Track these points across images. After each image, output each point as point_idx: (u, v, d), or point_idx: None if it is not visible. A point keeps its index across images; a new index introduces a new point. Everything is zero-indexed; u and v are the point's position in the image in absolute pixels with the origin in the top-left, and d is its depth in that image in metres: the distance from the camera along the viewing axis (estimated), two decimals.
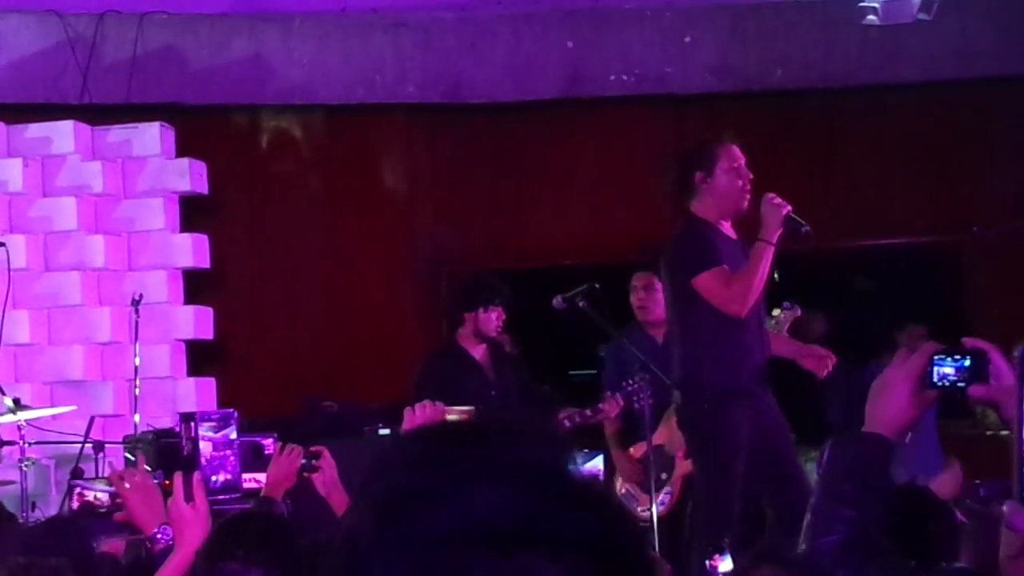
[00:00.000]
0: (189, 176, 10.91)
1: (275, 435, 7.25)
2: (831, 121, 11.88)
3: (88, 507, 8.07)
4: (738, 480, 7.50)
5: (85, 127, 10.78)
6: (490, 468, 1.42)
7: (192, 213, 11.10)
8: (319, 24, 11.57)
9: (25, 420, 8.68)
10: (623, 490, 9.02)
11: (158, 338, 10.61)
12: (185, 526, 4.11)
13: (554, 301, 8.77)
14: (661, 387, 8.36)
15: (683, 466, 8.81)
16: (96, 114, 10.99)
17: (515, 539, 1.37)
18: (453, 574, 1.38)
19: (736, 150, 7.77)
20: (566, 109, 11.80)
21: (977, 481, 8.25)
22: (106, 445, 9.10)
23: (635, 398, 8.60)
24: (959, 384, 2.99)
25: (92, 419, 9.29)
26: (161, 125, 10.91)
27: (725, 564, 6.06)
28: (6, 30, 11.04)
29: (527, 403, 8.99)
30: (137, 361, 9.84)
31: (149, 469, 4.85)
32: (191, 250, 10.90)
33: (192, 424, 4.17)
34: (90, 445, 9.04)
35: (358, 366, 11.55)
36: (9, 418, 8.60)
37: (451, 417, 6.02)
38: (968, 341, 3.01)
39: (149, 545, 4.60)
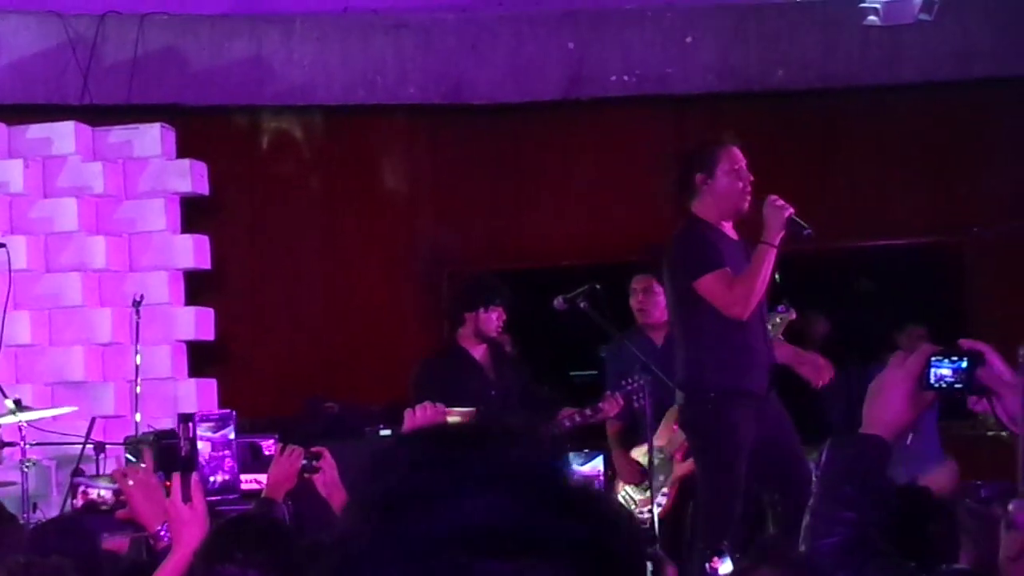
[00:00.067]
0: (190, 177, 10.91)
1: (276, 436, 7.26)
2: (832, 121, 11.88)
3: (91, 505, 8.08)
4: (740, 481, 7.50)
5: (86, 128, 10.79)
6: (485, 472, 1.42)
7: (193, 214, 11.11)
8: (320, 25, 11.57)
9: (26, 421, 8.68)
10: (622, 491, 9.02)
11: (159, 339, 10.62)
12: (183, 526, 4.11)
13: (555, 302, 8.77)
14: (661, 388, 8.36)
15: (680, 468, 8.82)
16: (97, 115, 10.99)
17: (510, 542, 1.38)
18: None
19: (737, 152, 7.77)
20: (567, 110, 11.80)
21: (978, 482, 8.24)
22: (107, 446, 9.10)
23: (635, 397, 8.60)
24: (956, 386, 2.99)
25: (93, 420, 9.29)
26: (162, 126, 10.92)
27: (725, 566, 6.07)
28: (7, 31, 11.04)
29: (527, 403, 8.99)
30: (138, 359, 9.83)
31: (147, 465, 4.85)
32: (192, 251, 10.91)
33: (190, 425, 4.17)
34: (91, 446, 9.04)
35: (359, 367, 11.55)
36: (10, 419, 8.60)
37: (451, 418, 6.01)
38: (965, 343, 3.01)
39: (152, 542, 4.60)
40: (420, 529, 1.39)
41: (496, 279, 9.39)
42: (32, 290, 10.43)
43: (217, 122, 11.65)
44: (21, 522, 7.83)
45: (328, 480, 5.68)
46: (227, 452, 4.19)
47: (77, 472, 8.48)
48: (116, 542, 5.66)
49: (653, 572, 4.94)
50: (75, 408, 9.41)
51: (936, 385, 3.00)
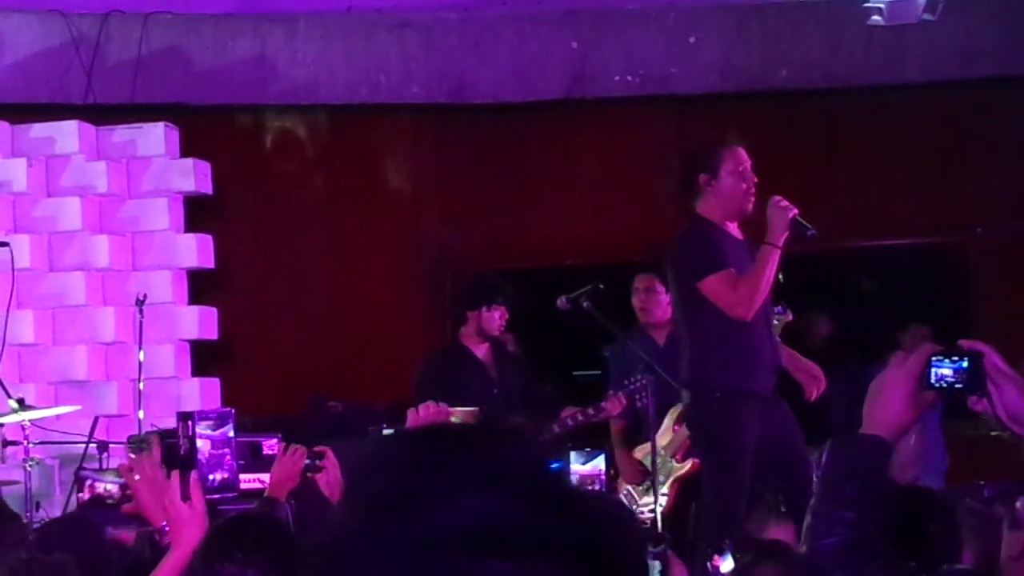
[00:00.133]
0: (193, 176, 10.92)
1: (279, 435, 7.26)
2: (835, 121, 11.88)
3: (98, 498, 8.10)
4: (745, 481, 7.50)
5: (89, 127, 10.79)
6: (482, 472, 1.43)
7: (196, 213, 11.11)
8: (323, 24, 11.58)
9: (29, 420, 8.69)
10: (624, 491, 9.03)
11: (162, 338, 10.62)
12: (182, 525, 4.11)
13: (558, 301, 8.77)
14: (664, 387, 8.37)
15: (679, 468, 8.83)
16: (100, 114, 11.00)
17: (508, 542, 1.38)
18: None
19: (742, 153, 7.77)
20: (570, 109, 11.81)
21: (981, 482, 8.23)
22: (110, 445, 9.11)
23: (637, 397, 8.61)
24: (957, 386, 2.99)
25: (96, 419, 9.30)
26: (165, 125, 10.92)
27: (726, 564, 6.07)
28: (10, 30, 11.05)
29: (529, 402, 9.00)
30: (141, 356, 9.82)
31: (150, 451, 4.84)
32: (195, 250, 10.91)
33: (189, 423, 4.17)
34: (94, 445, 9.05)
35: (362, 366, 11.55)
36: (13, 418, 8.60)
37: (455, 418, 6.02)
38: (965, 343, 3.01)
39: (157, 537, 4.61)
40: (417, 529, 1.39)
41: (499, 278, 9.39)
42: (36, 289, 10.43)
43: (221, 121, 11.66)
44: (24, 521, 7.83)
45: (331, 479, 5.69)
46: (226, 450, 4.19)
47: (81, 469, 8.51)
48: (123, 534, 5.66)
49: (661, 572, 4.94)
50: (78, 407, 9.41)
51: (937, 385, 3.00)
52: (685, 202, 7.88)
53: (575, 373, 11.61)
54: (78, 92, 11.09)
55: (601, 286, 8.68)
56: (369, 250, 11.88)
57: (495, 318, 9.00)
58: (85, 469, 8.57)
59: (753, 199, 7.69)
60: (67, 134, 10.67)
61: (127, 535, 5.56)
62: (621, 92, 11.72)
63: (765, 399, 7.63)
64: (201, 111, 11.41)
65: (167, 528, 4.46)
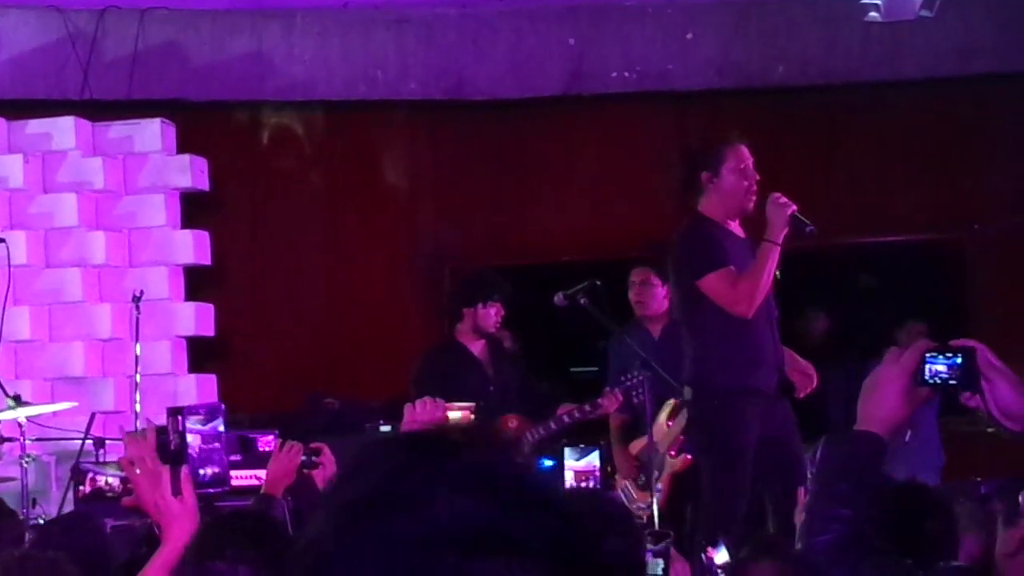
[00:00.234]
0: (190, 172, 10.91)
1: (276, 432, 7.26)
2: (832, 118, 11.87)
3: (99, 492, 8.09)
4: (745, 480, 7.51)
5: (86, 123, 10.78)
6: (454, 476, 1.45)
7: (193, 209, 11.10)
8: (321, 20, 11.57)
9: (26, 416, 8.68)
10: (622, 487, 9.03)
11: (159, 334, 10.61)
12: (173, 520, 4.10)
13: (555, 298, 8.77)
14: (660, 383, 8.38)
15: (672, 464, 8.83)
16: (97, 110, 10.99)
17: (477, 544, 1.40)
18: None
19: (744, 150, 7.78)
20: (568, 106, 11.80)
21: (978, 479, 8.24)
22: (107, 441, 9.10)
23: (634, 393, 8.61)
24: (951, 382, 2.99)
25: (93, 415, 9.29)
26: (162, 121, 10.91)
27: (720, 556, 6.07)
28: (6, 26, 11.04)
29: (526, 399, 9.00)
30: (137, 349, 9.81)
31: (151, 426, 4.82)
32: (192, 246, 10.90)
33: (179, 418, 4.16)
34: (91, 441, 9.04)
35: (359, 362, 11.55)
36: (10, 414, 8.60)
37: (452, 413, 6.01)
38: (956, 343, 3.01)
39: (157, 531, 4.60)
40: (387, 532, 1.41)
41: (495, 275, 9.40)
42: (32, 285, 10.43)
43: (218, 117, 11.65)
44: (21, 517, 7.82)
45: (328, 476, 5.68)
46: (217, 444, 4.18)
47: (77, 468, 8.49)
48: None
49: (664, 570, 4.93)
50: (75, 404, 9.40)
51: (931, 381, 2.99)
52: (687, 200, 7.89)
53: (572, 369, 11.61)
54: (74, 88, 11.08)
55: (598, 282, 8.68)
56: (367, 246, 11.88)
57: (491, 315, 9.00)
58: (83, 464, 8.56)
59: (755, 197, 7.70)
60: (63, 130, 10.66)
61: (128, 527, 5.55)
62: (619, 88, 11.72)
63: (768, 396, 7.63)
64: (198, 107, 11.40)
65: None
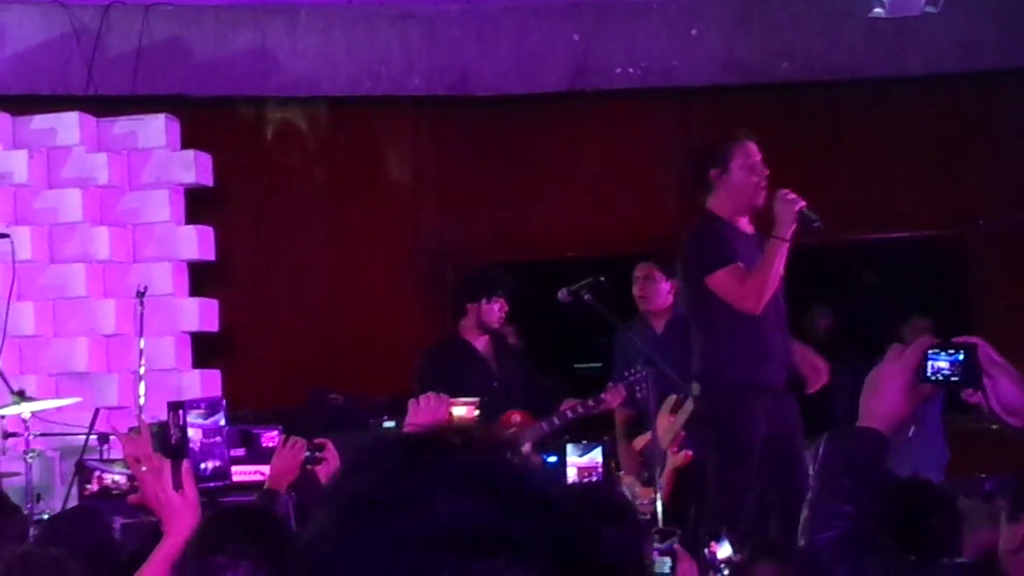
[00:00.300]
0: (194, 168, 10.92)
1: (279, 427, 7.26)
2: (836, 114, 11.86)
3: (106, 490, 8.11)
4: (752, 476, 7.52)
5: (90, 119, 10.79)
6: (454, 476, 1.45)
7: (197, 205, 11.11)
8: (325, 16, 11.57)
9: (30, 412, 8.69)
10: (627, 482, 9.03)
11: (163, 330, 10.62)
12: (174, 514, 4.10)
13: (559, 294, 8.77)
14: (663, 378, 8.38)
15: (674, 459, 8.83)
16: (101, 106, 10.99)
17: (477, 544, 1.41)
18: None
19: (752, 147, 7.78)
20: (572, 102, 11.79)
21: (982, 475, 8.23)
22: (111, 437, 9.11)
23: (637, 388, 8.61)
24: (953, 379, 2.99)
25: (97, 411, 9.30)
26: (166, 117, 10.92)
27: (723, 550, 6.07)
28: (11, 22, 11.05)
29: (530, 395, 9.01)
30: (142, 342, 9.81)
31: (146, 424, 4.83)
32: (196, 242, 10.91)
33: (180, 412, 4.16)
34: (95, 437, 9.05)
35: (363, 358, 11.55)
36: (14, 410, 8.62)
37: (456, 409, 6.01)
38: (958, 339, 3.01)
39: (162, 528, 4.60)
40: (387, 531, 1.42)
41: (499, 270, 9.40)
42: (36, 281, 10.43)
43: (222, 113, 11.65)
44: (25, 513, 7.83)
45: (331, 472, 5.68)
46: (218, 438, 4.19)
47: (81, 463, 8.51)
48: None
49: (671, 568, 4.94)
50: (79, 399, 9.42)
51: (933, 378, 3.00)
52: (695, 198, 7.89)
53: (576, 365, 11.61)
54: (79, 84, 11.09)
55: (602, 278, 8.68)
56: (370, 242, 11.88)
57: (494, 310, 9.01)
58: (88, 460, 8.57)
59: (764, 192, 7.70)
60: (68, 126, 10.67)
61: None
62: (623, 84, 11.71)
63: (776, 392, 7.64)
64: (202, 103, 11.41)
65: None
